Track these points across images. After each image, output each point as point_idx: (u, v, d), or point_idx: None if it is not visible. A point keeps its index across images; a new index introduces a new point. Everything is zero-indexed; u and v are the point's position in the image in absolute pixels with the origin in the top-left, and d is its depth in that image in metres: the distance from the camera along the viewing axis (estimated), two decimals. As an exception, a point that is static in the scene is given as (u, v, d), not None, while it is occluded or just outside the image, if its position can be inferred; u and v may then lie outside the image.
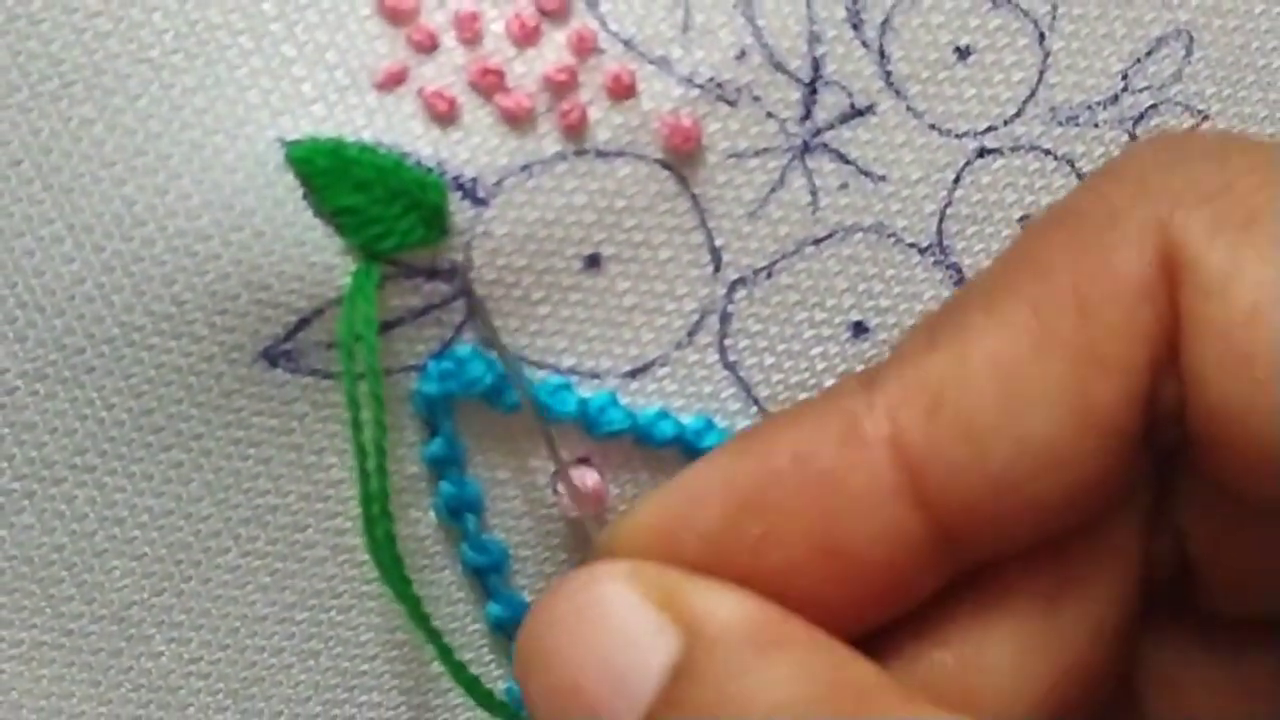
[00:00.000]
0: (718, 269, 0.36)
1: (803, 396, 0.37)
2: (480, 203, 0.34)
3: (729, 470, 0.28)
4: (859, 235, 0.36)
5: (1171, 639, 0.30)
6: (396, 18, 0.34)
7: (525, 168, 0.34)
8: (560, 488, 0.36)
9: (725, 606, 0.27)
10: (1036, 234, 0.29)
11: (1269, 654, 0.30)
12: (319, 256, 0.34)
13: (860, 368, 0.37)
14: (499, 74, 0.34)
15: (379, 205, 0.33)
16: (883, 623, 0.28)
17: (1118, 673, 0.30)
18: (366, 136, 0.34)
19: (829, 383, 0.37)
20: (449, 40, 0.34)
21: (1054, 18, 0.36)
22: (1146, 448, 0.27)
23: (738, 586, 0.28)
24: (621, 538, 0.29)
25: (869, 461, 0.27)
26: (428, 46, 0.34)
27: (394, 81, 0.34)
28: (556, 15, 0.35)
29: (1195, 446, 0.27)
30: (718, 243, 0.35)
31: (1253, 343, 0.25)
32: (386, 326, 0.35)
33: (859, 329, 0.36)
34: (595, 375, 0.35)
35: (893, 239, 0.36)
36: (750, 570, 0.27)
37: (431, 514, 0.36)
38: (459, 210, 0.34)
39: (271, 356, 0.34)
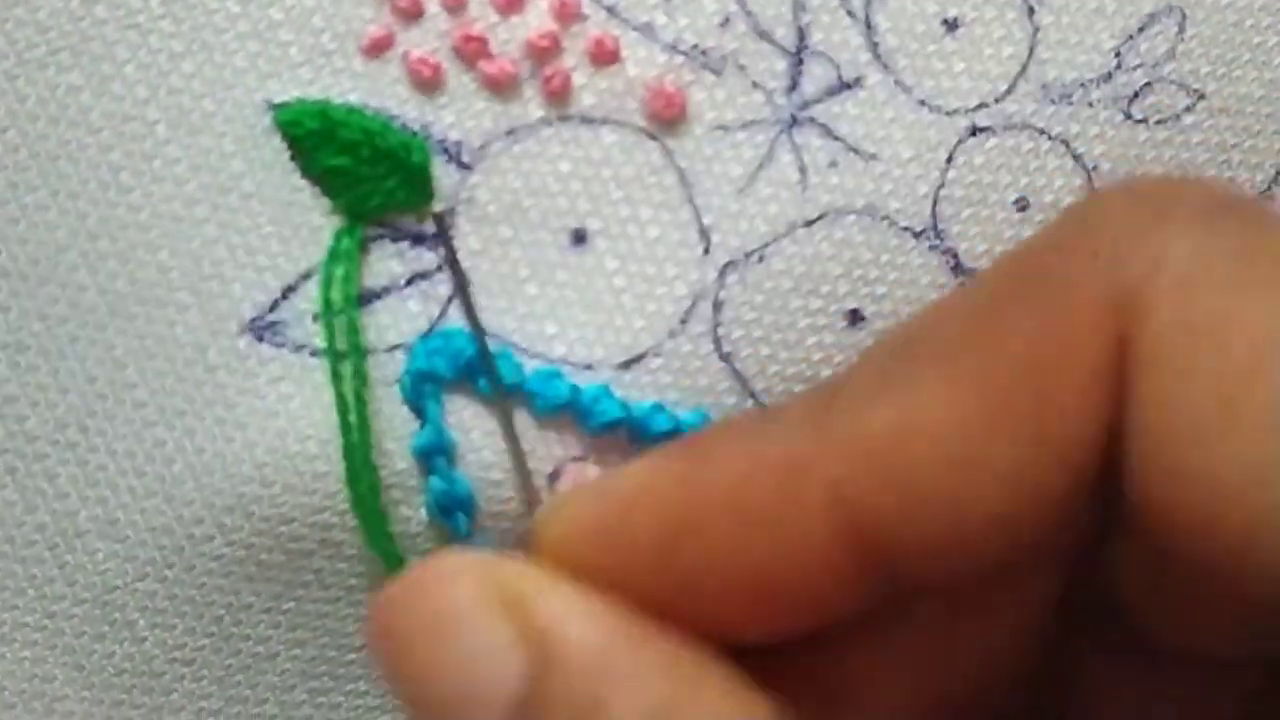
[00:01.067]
0: (707, 250, 0.36)
1: (799, 389, 0.38)
2: (465, 167, 0.34)
3: (668, 487, 0.29)
4: (851, 217, 0.36)
5: (1102, 662, 0.31)
6: (383, -15, 0.35)
7: (510, 133, 0.35)
8: (560, 486, 0.36)
9: (578, 623, 0.27)
10: (996, 285, 0.30)
11: (1207, 689, 0.30)
12: (305, 218, 0.34)
13: (855, 358, 0.37)
14: (482, 40, 0.35)
15: (365, 166, 0.34)
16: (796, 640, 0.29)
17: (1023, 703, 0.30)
18: (353, 99, 0.34)
19: (826, 374, 0.37)
20: (433, 7, 0.35)
21: None
22: (1087, 512, 0.27)
23: (599, 596, 0.28)
24: (553, 527, 0.29)
25: (808, 508, 0.28)
26: (413, 13, 0.35)
27: (380, 48, 0.35)
28: None
29: (1136, 510, 0.27)
30: (706, 221, 0.36)
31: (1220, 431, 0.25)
32: (372, 297, 0.36)
33: (855, 317, 0.36)
34: (588, 366, 0.36)
35: (886, 221, 0.36)
36: (676, 587, 0.28)
37: (422, 512, 0.36)
38: (445, 174, 0.35)
39: (257, 330, 0.34)
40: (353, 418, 0.34)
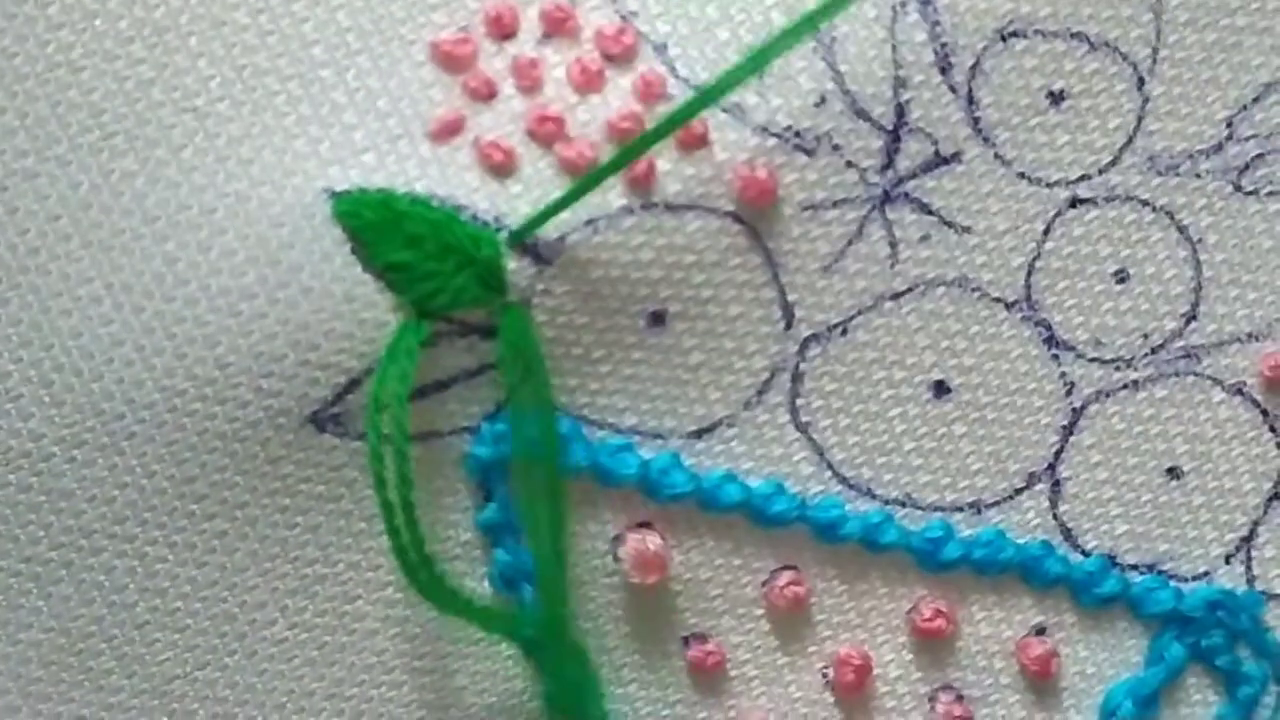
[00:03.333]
0: (789, 325, 0.37)
1: (880, 460, 0.38)
2: (541, 260, 0.33)
3: None
4: (941, 289, 0.36)
5: None
6: (452, 65, 0.35)
7: (590, 223, 0.34)
8: (621, 553, 0.36)
9: None
10: None
11: None
12: (369, 314, 0.34)
13: (942, 430, 0.39)
14: (559, 121, 0.35)
15: (431, 261, 0.34)
16: None
17: None
18: (419, 188, 0.35)
19: (908, 446, 0.39)
20: (508, 88, 0.34)
21: (1154, 61, 0.36)
22: None
23: None
24: None
25: None
26: (485, 95, 0.34)
27: (449, 131, 0.34)
28: (621, 60, 0.35)
29: None
30: (790, 298, 0.36)
31: None
32: (440, 386, 0.37)
33: (940, 388, 0.36)
34: (658, 435, 0.36)
35: (977, 293, 0.36)
36: None
37: (486, 584, 0.37)
38: (519, 268, 0.33)
39: (319, 421, 0.34)
40: (398, 519, 0.34)
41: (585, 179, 0.35)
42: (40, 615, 0.37)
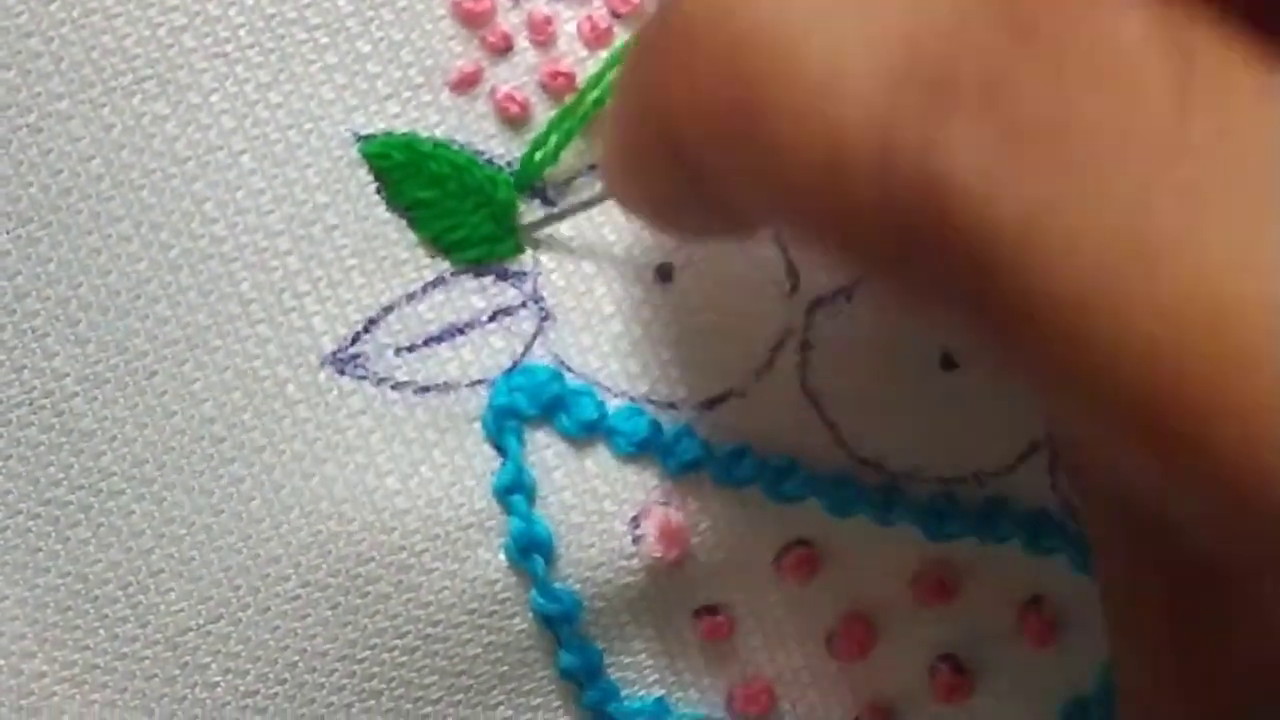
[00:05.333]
0: (795, 288, 0.38)
1: (889, 434, 0.40)
2: (549, 203, 0.35)
3: None
4: None
5: None
6: (471, 20, 0.37)
7: (593, 168, 0.36)
8: (644, 528, 0.38)
9: None
10: None
11: None
12: (390, 251, 0.36)
13: (947, 404, 0.40)
14: (570, 76, 0.37)
15: (452, 199, 0.36)
16: None
17: None
18: (440, 134, 0.36)
19: (915, 418, 0.40)
20: (523, 42, 0.36)
21: None
22: None
23: None
24: None
25: None
26: (502, 49, 0.37)
27: (469, 83, 0.37)
28: (629, 17, 0.37)
29: None
30: (793, 259, 0.36)
31: None
32: (455, 332, 0.38)
33: (948, 362, 0.37)
34: (671, 405, 0.36)
35: None
36: None
37: (501, 555, 0.38)
38: (529, 210, 0.35)
39: (339, 362, 0.36)
40: None
41: (566, 110, 0.38)
42: (58, 559, 0.38)
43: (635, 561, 0.39)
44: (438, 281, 0.38)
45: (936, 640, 0.41)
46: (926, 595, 0.40)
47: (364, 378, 0.38)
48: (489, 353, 0.39)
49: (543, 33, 0.39)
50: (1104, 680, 0.41)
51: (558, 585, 0.39)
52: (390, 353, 0.38)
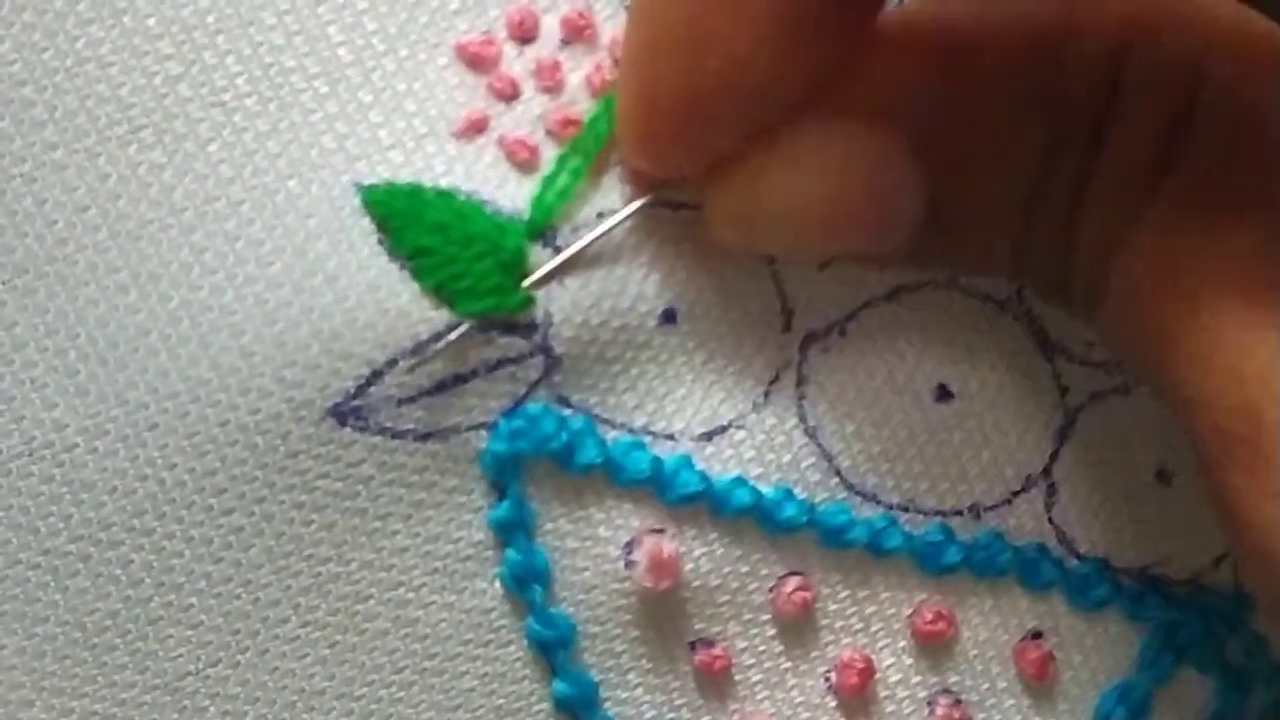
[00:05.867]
0: (788, 325, 0.39)
1: (885, 466, 0.40)
2: (559, 251, 0.35)
3: None
4: (932, 288, 0.37)
5: None
6: (477, 65, 0.37)
7: (601, 215, 0.35)
8: (636, 556, 0.37)
9: None
10: None
11: None
12: (393, 302, 0.36)
13: (943, 434, 0.40)
14: (579, 124, 0.36)
15: (455, 246, 0.36)
16: None
17: None
18: (445, 183, 0.35)
19: (911, 451, 0.40)
20: (529, 90, 0.36)
21: None
22: None
23: None
24: None
25: None
26: (509, 95, 0.37)
27: (475, 130, 0.37)
28: None
29: None
30: (788, 294, 0.38)
31: None
32: (459, 380, 0.37)
33: (943, 392, 0.38)
34: (669, 437, 0.37)
35: (970, 293, 0.37)
36: None
37: (498, 584, 0.38)
38: (538, 259, 0.35)
39: (340, 414, 0.36)
40: None
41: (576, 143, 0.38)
42: (57, 609, 0.38)
43: (629, 585, 0.40)
44: (443, 333, 0.38)
45: (935, 676, 0.41)
46: (924, 630, 0.41)
47: (365, 429, 0.38)
48: (491, 397, 0.39)
49: (550, 79, 0.38)
50: (1099, 714, 0.42)
51: (552, 610, 0.40)
52: (393, 405, 0.38)
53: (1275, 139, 0.34)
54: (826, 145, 0.35)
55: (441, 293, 0.38)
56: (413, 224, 0.38)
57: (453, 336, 0.37)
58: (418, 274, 0.38)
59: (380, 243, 0.38)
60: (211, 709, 0.39)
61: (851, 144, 0.35)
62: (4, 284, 0.37)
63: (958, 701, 0.41)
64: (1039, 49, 0.35)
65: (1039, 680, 0.41)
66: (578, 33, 0.39)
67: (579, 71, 0.38)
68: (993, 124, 0.35)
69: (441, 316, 0.38)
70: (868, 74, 0.36)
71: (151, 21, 0.37)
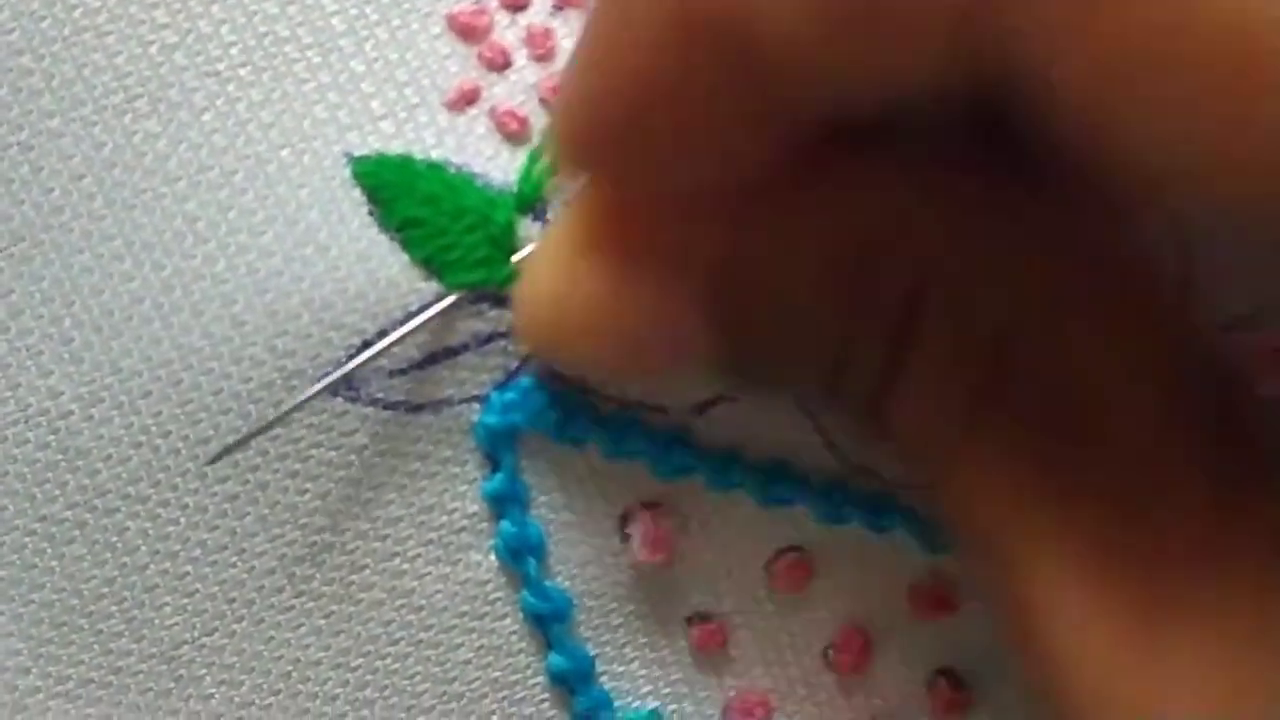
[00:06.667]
0: None
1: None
2: (549, 224, 0.35)
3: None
4: None
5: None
6: (468, 35, 0.37)
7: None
8: (630, 530, 0.36)
9: None
10: None
11: None
12: (384, 272, 0.36)
13: None
14: None
15: (445, 218, 0.36)
16: None
17: None
18: (436, 155, 0.36)
19: None
20: (521, 58, 0.36)
21: None
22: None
23: None
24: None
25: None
26: (500, 65, 0.37)
27: (467, 100, 0.37)
28: None
29: None
30: None
31: None
32: (450, 353, 0.37)
33: None
34: (662, 410, 0.36)
35: None
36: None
37: (492, 557, 0.38)
38: (527, 232, 0.35)
39: (332, 385, 0.35)
40: None
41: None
42: (53, 576, 0.39)
43: (624, 559, 0.40)
44: (432, 305, 0.38)
45: (935, 654, 0.41)
46: (924, 608, 0.41)
47: (357, 399, 0.38)
48: (484, 370, 0.39)
49: (542, 47, 0.38)
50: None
51: (548, 584, 0.40)
52: (384, 376, 0.38)
53: (1088, 394, 0.33)
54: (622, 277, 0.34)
55: (431, 264, 0.38)
56: (403, 196, 0.38)
57: (439, 308, 0.38)
58: (407, 245, 0.38)
59: (370, 214, 0.38)
60: (207, 678, 0.39)
61: (642, 280, 0.34)
62: (0, 252, 0.38)
63: (958, 681, 0.41)
64: (855, 261, 0.33)
65: (1042, 661, 0.41)
66: (569, -3, 0.39)
67: (569, 39, 0.39)
68: (792, 300, 0.34)
69: (431, 288, 0.38)
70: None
71: None
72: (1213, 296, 0.40)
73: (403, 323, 0.38)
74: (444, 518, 0.39)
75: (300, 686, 0.40)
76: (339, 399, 0.39)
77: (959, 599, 0.41)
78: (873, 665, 0.41)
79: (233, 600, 0.39)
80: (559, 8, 0.39)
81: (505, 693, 0.40)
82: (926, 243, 0.33)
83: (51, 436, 0.38)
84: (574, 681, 0.40)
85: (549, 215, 0.38)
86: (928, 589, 0.41)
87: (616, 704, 0.41)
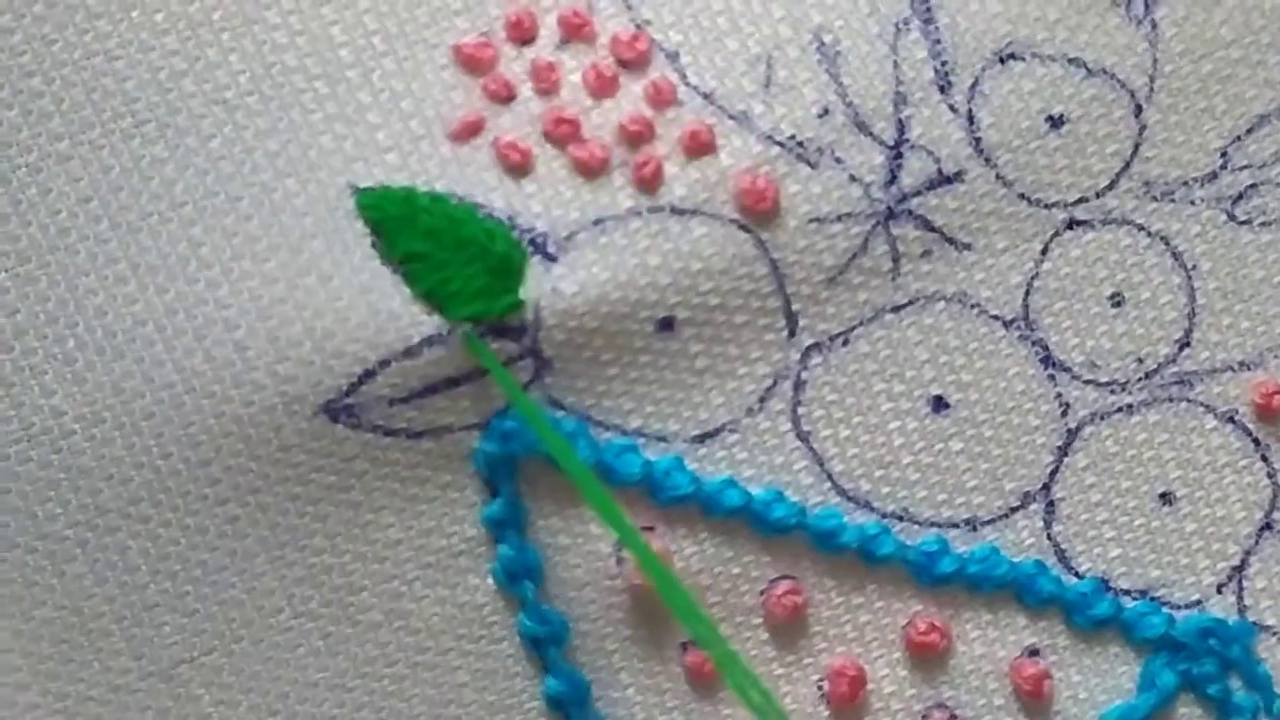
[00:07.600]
0: (793, 334, 0.40)
1: (879, 473, 0.41)
2: (550, 259, 0.36)
3: None
4: (941, 304, 0.39)
5: None
6: (474, 67, 0.38)
7: (598, 222, 0.36)
8: (623, 555, 0.37)
9: None
10: None
11: None
12: (385, 305, 0.36)
13: (939, 445, 0.40)
14: (574, 124, 0.38)
15: (446, 252, 0.36)
16: None
17: None
18: (439, 187, 0.36)
19: (906, 460, 0.41)
20: (526, 91, 0.36)
21: (1151, 90, 0.38)
22: None
23: None
24: None
25: None
26: (504, 97, 0.37)
27: (470, 132, 0.37)
28: (635, 66, 0.38)
29: None
30: (794, 307, 0.39)
31: None
32: (450, 383, 0.37)
33: (939, 403, 0.38)
34: (662, 438, 0.38)
35: (976, 309, 0.38)
36: None
37: (490, 580, 0.39)
38: (530, 267, 0.36)
39: (333, 411, 0.37)
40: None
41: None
42: (54, 594, 0.39)
43: (620, 583, 0.40)
44: (435, 338, 0.38)
45: (928, 687, 0.41)
46: (918, 641, 0.41)
47: (358, 426, 0.39)
48: (484, 399, 0.39)
49: (546, 80, 0.39)
50: (1098, 731, 0.42)
51: (545, 607, 0.40)
52: (385, 404, 0.39)
53: None
54: None
55: (432, 299, 0.39)
56: (405, 229, 0.38)
57: (440, 350, 0.38)
58: (409, 280, 0.39)
59: (373, 246, 0.38)
60: (205, 697, 0.40)
61: None
62: (6, 271, 0.38)
63: (952, 715, 0.41)
64: None
65: (1035, 698, 0.41)
66: (575, 31, 0.39)
67: (576, 73, 0.39)
68: None
69: (433, 322, 0.39)
70: None
71: (159, 17, 0.39)
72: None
73: (404, 355, 0.38)
74: (442, 541, 0.40)
75: (298, 707, 0.40)
76: (340, 425, 0.39)
77: (953, 634, 0.41)
78: (867, 698, 0.41)
79: (231, 620, 0.40)
80: (566, 41, 0.39)
81: (501, 716, 0.41)
82: None
83: (54, 456, 0.39)
84: (570, 706, 0.41)
85: (551, 249, 0.39)
86: (922, 623, 0.41)
87: (610, 730, 0.41)
